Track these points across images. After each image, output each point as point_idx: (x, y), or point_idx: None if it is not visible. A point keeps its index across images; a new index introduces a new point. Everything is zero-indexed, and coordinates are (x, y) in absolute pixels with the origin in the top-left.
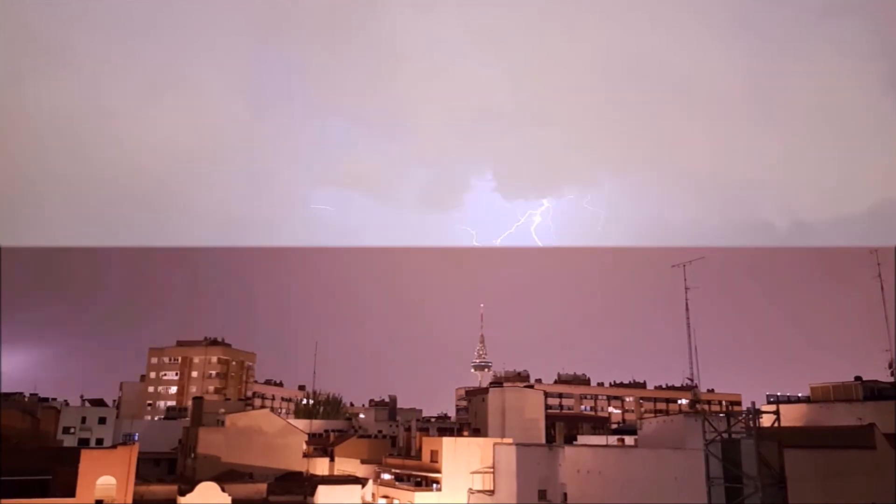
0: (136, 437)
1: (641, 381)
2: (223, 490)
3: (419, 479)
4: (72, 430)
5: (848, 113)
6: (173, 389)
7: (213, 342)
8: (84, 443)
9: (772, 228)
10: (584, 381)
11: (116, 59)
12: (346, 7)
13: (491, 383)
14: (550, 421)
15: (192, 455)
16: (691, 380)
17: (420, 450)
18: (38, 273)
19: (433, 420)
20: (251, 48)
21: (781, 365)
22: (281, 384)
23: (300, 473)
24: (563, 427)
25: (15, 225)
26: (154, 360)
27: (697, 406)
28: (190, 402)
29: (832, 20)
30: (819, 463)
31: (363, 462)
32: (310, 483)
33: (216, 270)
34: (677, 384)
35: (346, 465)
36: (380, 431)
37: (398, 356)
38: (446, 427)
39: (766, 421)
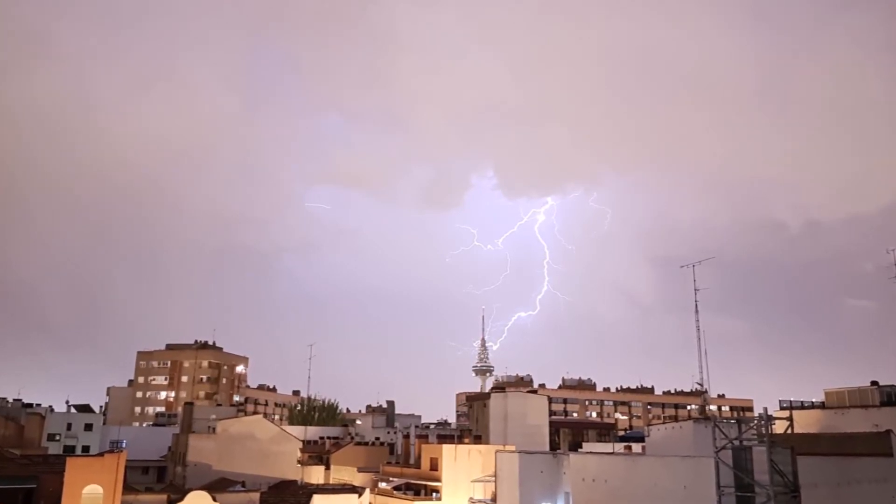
0: (124, 445)
1: (649, 387)
2: (214, 499)
3: (418, 488)
4: (57, 437)
5: (864, 107)
6: (163, 395)
7: (204, 345)
8: (70, 450)
9: (784, 227)
10: (590, 387)
11: (103, 50)
12: None
13: (493, 388)
14: (555, 427)
15: (183, 463)
16: (701, 385)
17: (419, 457)
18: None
19: (433, 426)
20: (244, 40)
21: (795, 369)
22: (274, 389)
23: (294, 482)
24: (568, 434)
25: None
26: (142, 364)
27: (707, 412)
28: (180, 408)
29: (851, 11)
30: (833, 471)
31: (360, 470)
32: (304, 492)
33: (207, 270)
34: (686, 389)
35: (342, 474)
36: (377, 438)
37: (396, 360)
38: (446, 434)
39: (779, 427)
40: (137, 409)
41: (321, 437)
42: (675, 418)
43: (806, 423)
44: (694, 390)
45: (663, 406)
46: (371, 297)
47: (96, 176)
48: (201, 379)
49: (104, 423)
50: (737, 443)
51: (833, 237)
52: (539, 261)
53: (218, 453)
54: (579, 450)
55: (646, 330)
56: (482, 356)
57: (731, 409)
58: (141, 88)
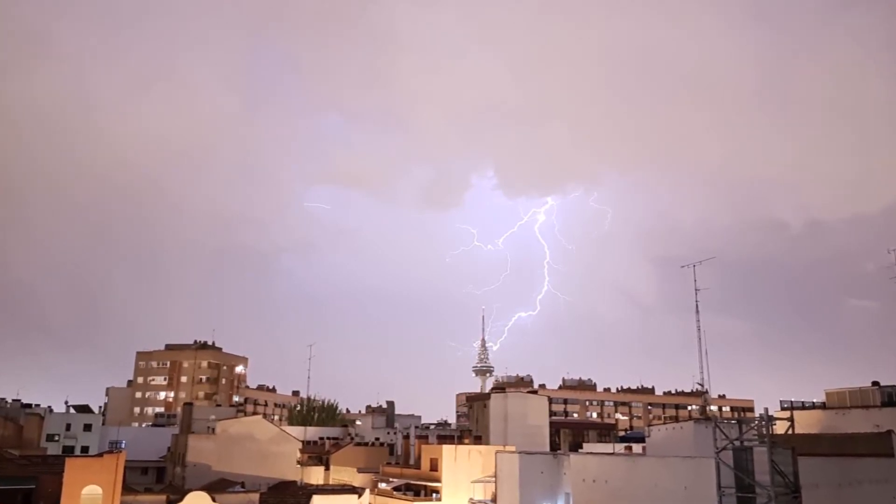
0: (124, 445)
1: (650, 387)
2: (213, 500)
3: (418, 489)
4: (56, 438)
5: (865, 107)
6: (162, 395)
7: (204, 346)
8: (69, 451)
9: (785, 227)
10: (590, 387)
11: (103, 50)
12: None
13: (493, 389)
14: (555, 428)
15: (182, 463)
16: (701, 385)
17: (419, 458)
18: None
19: (433, 427)
20: (244, 40)
21: (796, 369)
22: (274, 389)
23: (294, 482)
24: (569, 434)
25: None
26: (142, 365)
27: (708, 412)
28: (179, 409)
29: (851, 11)
30: (834, 471)
31: (360, 471)
32: (304, 492)
33: (207, 270)
34: (687, 389)
35: (342, 474)
36: (377, 439)
37: (396, 360)
38: (446, 434)
39: (780, 428)
40: (137, 410)
41: (321, 438)
42: (676, 419)
43: (807, 423)
44: (694, 391)
45: (664, 406)
46: (371, 297)
47: (96, 176)
48: (200, 379)
49: (103, 424)
50: (737, 443)
51: (834, 237)
52: (539, 261)
53: (217, 454)
54: (580, 450)
55: (646, 330)
56: (482, 356)
57: (732, 409)
58: (141, 88)
